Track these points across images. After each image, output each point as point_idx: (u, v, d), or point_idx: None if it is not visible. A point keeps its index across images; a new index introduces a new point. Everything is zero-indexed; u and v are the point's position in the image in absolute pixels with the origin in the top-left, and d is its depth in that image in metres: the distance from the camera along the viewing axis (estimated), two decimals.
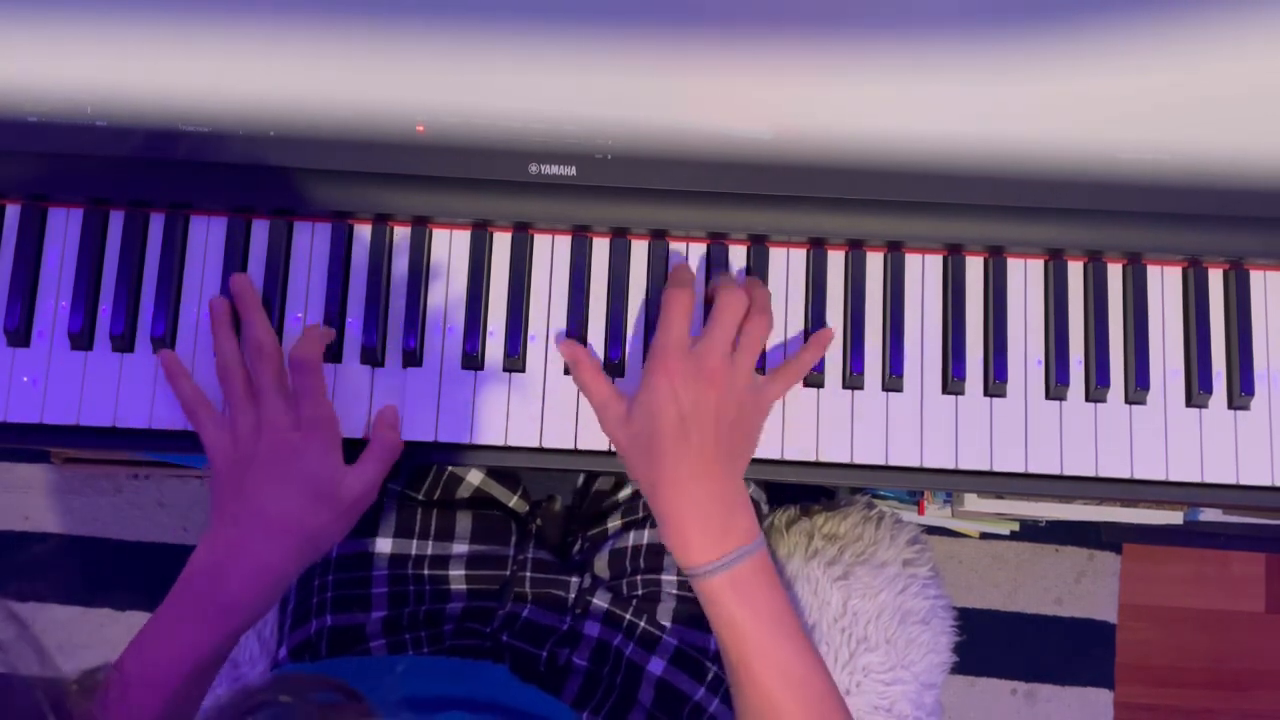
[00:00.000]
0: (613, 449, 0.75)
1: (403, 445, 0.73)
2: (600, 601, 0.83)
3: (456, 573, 0.84)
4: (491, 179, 0.73)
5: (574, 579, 0.84)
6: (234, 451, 0.69)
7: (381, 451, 0.72)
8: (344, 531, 0.71)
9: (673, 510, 0.67)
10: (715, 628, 0.68)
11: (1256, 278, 0.78)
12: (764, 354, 0.75)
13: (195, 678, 0.65)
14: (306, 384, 0.70)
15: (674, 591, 0.85)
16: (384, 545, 0.84)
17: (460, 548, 0.85)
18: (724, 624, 0.67)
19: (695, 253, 0.77)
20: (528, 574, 0.84)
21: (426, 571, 0.84)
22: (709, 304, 0.74)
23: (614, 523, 0.88)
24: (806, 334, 0.76)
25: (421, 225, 0.76)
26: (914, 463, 0.75)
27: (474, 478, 0.89)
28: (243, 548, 0.67)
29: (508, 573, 0.84)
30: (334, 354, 0.75)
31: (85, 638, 1.49)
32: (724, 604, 0.66)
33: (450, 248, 0.77)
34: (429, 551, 0.84)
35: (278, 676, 0.48)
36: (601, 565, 0.86)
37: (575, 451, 0.75)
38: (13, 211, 0.76)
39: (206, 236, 0.76)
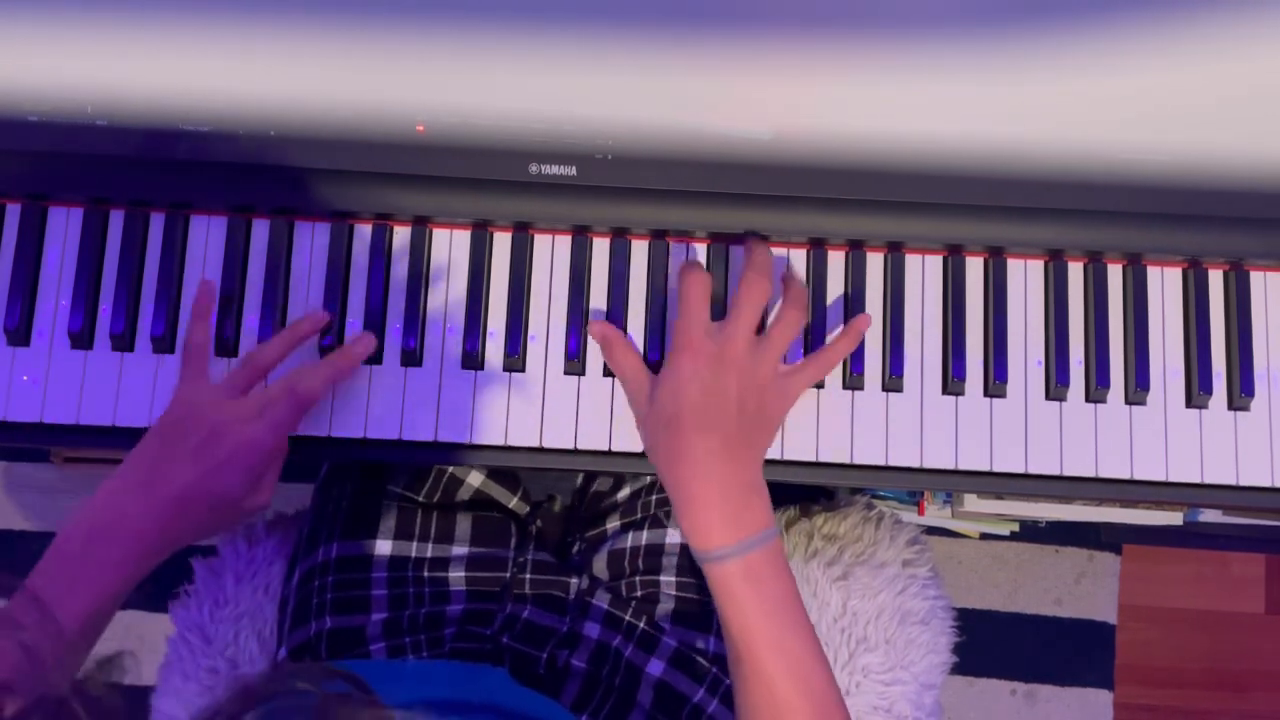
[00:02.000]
0: (612, 449, 0.75)
1: (284, 454, 0.72)
2: (599, 603, 0.83)
3: (456, 575, 0.84)
4: (492, 179, 0.73)
5: (573, 580, 0.84)
6: (176, 416, 0.69)
7: (276, 467, 0.72)
8: (215, 532, 0.72)
9: (690, 489, 0.67)
10: (723, 614, 0.67)
11: (1256, 278, 0.78)
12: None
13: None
14: (280, 412, 0.70)
15: (673, 593, 0.85)
16: (384, 547, 0.84)
17: (460, 550, 0.85)
18: (733, 611, 0.66)
19: (696, 253, 0.77)
20: (528, 575, 0.84)
21: (426, 574, 0.84)
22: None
23: (613, 524, 0.88)
24: (806, 335, 0.76)
25: (421, 225, 0.76)
26: (914, 463, 0.75)
27: (474, 479, 0.89)
28: (129, 505, 0.67)
29: (507, 574, 0.84)
30: None
31: None
32: (734, 591, 0.66)
33: (450, 248, 0.77)
34: (429, 554, 0.84)
35: (295, 666, 0.48)
36: (600, 566, 0.86)
37: (575, 451, 0.75)
38: (13, 211, 0.76)
39: (206, 236, 0.76)
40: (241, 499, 0.69)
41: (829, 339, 0.75)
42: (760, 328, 0.72)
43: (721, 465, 0.67)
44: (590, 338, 0.75)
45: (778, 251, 0.77)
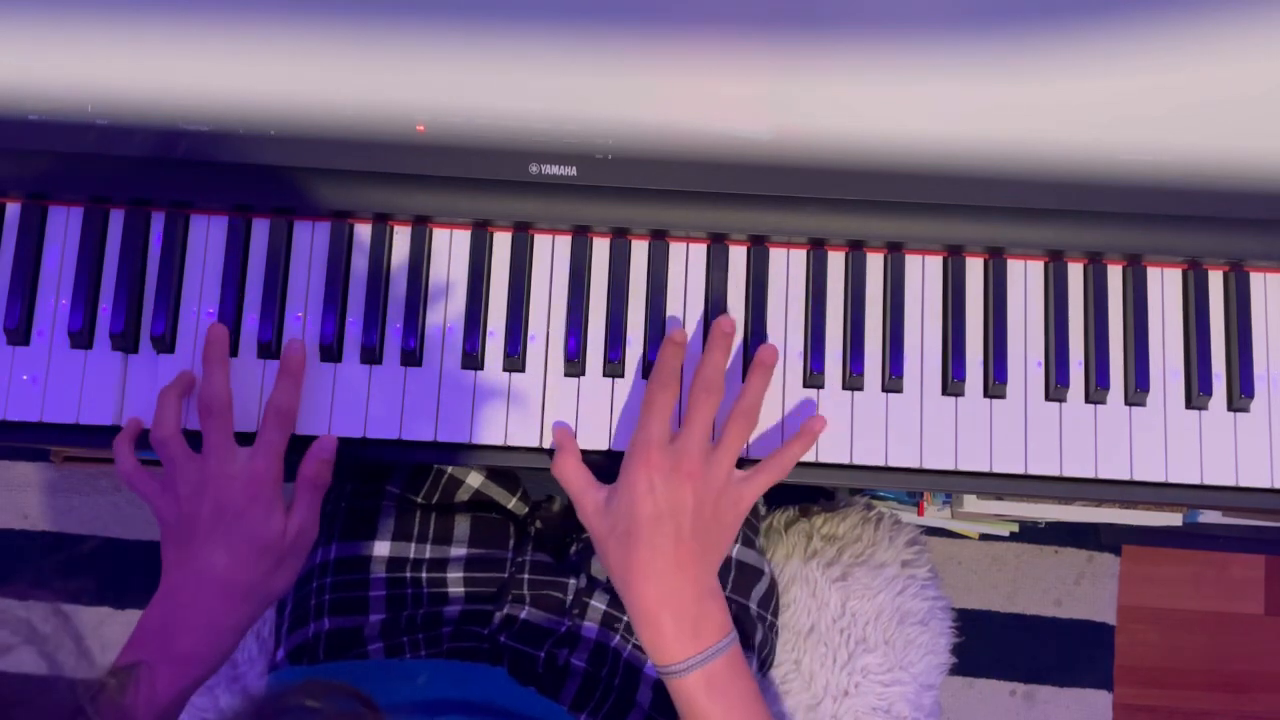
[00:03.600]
0: (611, 449, 0.75)
1: (329, 481, 0.73)
2: (598, 603, 0.83)
3: (455, 575, 0.84)
4: (492, 179, 0.73)
5: (571, 580, 0.84)
6: (177, 509, 0.70)
7: (308, 492, 0.72)
8: (295, 570, 0.73)
9: (646, 604, 0.68)
10: None
11: (1256, 279, 0.78)
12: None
13: None
14: (266, 437, 0.70)
15: None
16: (382, 548, 0.84)
17: (459, 551, 0.85)
18: None
19: (695, 252, 0.77)
20: (526, 576, 0.84)
21: (425, 575, 0.84)
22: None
23: None
24: (806, 335, 0.76)
25: (422, 225, 0.76)
26: (913, 464, 0.75)
27: (473, 480, 0.89)
28: (189, 605, 0.68)
29: (506, 575, 0.84)
30: (334, 354, 0.75)
31: (84, 636, 1.49)
32: (698, 703, 0.67)
33: (450, 248, 0.77)
34: (427, 555, 0.84)
35: (305, 682, 0.48)
36: (599, 566, 0.86)
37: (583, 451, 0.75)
38: (13, 210, 0.76)
39: (207, 235, 0.76)
40: (280, 533, 0.70)
41: (779, 448, 0.73)
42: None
43: (676, 581, 0.67)
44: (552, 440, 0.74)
45: (778, 252, 0.77)
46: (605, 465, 0.74)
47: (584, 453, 0.75)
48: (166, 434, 0.71)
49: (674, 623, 0.67)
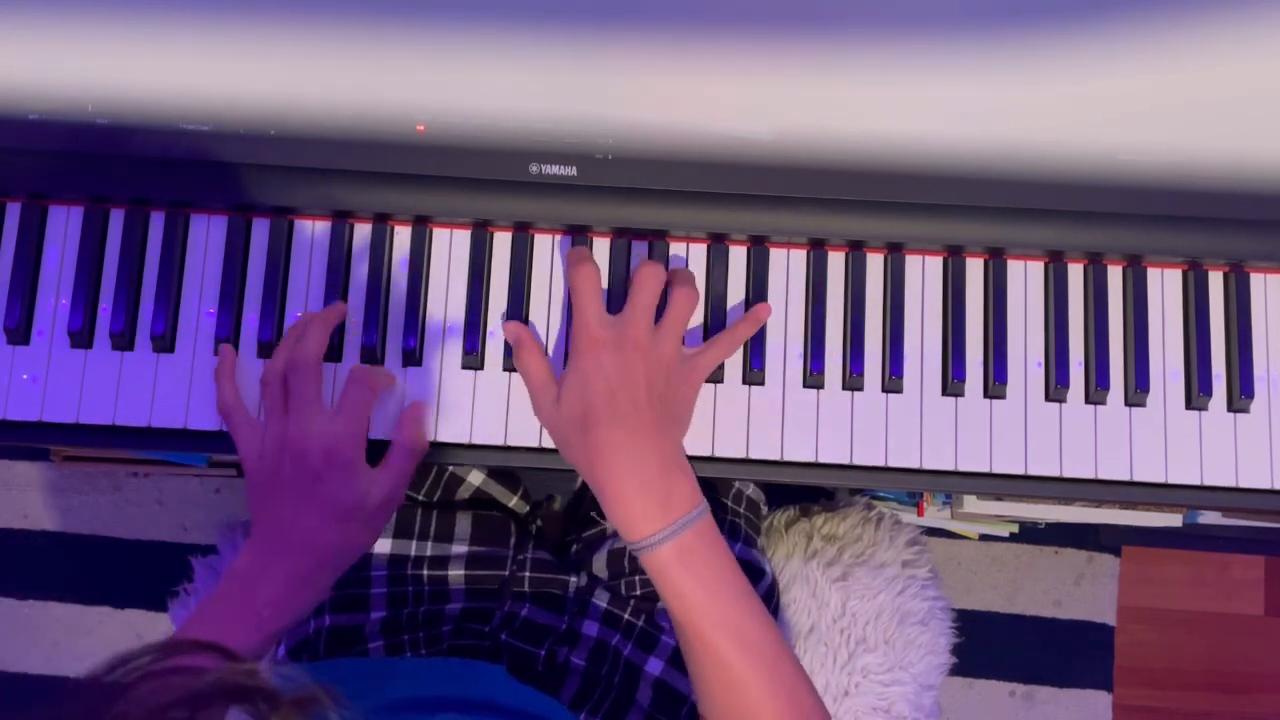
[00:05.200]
0: None
1: (427, 444, 0.73)
2: (598, 601, 0.83)
3: (456, 573, 0.84)
4: (492, 179, 0.73)
5: (572, 578, 0.84)
6: (260, 464, 0.70)
7: (402, 457, 0.72)
8: (375, 534, 0.72)
9: (610, 481, 0.67)
10: (666, 601, 0.67)
11: (1257, 280, 0.78)
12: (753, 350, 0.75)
13: None
14: (349, 398, 0.71)
15: None
16: (383, 546, 0.84)
17: (460, 548, 0.85)
18: (674, 596, 0.66)
19: (695, 253, 0.77)
20: (527, 574, 0.84)
21: (426, 572, 0.84)
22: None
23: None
24: (806, 335, 0.76)
25: (422, 225, 0.76)
26: (913, 464, 0.75)
27: (474, 478, 0.89)
28: (272, 559, 0.68)
29: (507, 572, 0.84)
30: (334, 354, 0.75)
31: (83, 635, 1.49)
32: (672, 575, 0.66)
33: (450, 248, 0.77)
34: (428, 552, 0.84)
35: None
36: (600, 565, 0.86)
37: None
38: (13, 210, 0.76)
39: (207, 235, 0.76)
40: (362, 495, 0.69)
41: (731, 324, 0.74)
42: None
43: (639, 453, 0.67)
44: (504, 336, 0.74)
45: (778, 252, 0.77)
46: None
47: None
48: (276, 374, 0.71)
49: (641, 497, 0.66)
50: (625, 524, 0.67)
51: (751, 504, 0.92)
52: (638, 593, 0.85)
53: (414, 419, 0.72)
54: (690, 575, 0.65)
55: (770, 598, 0.90)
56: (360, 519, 0.70)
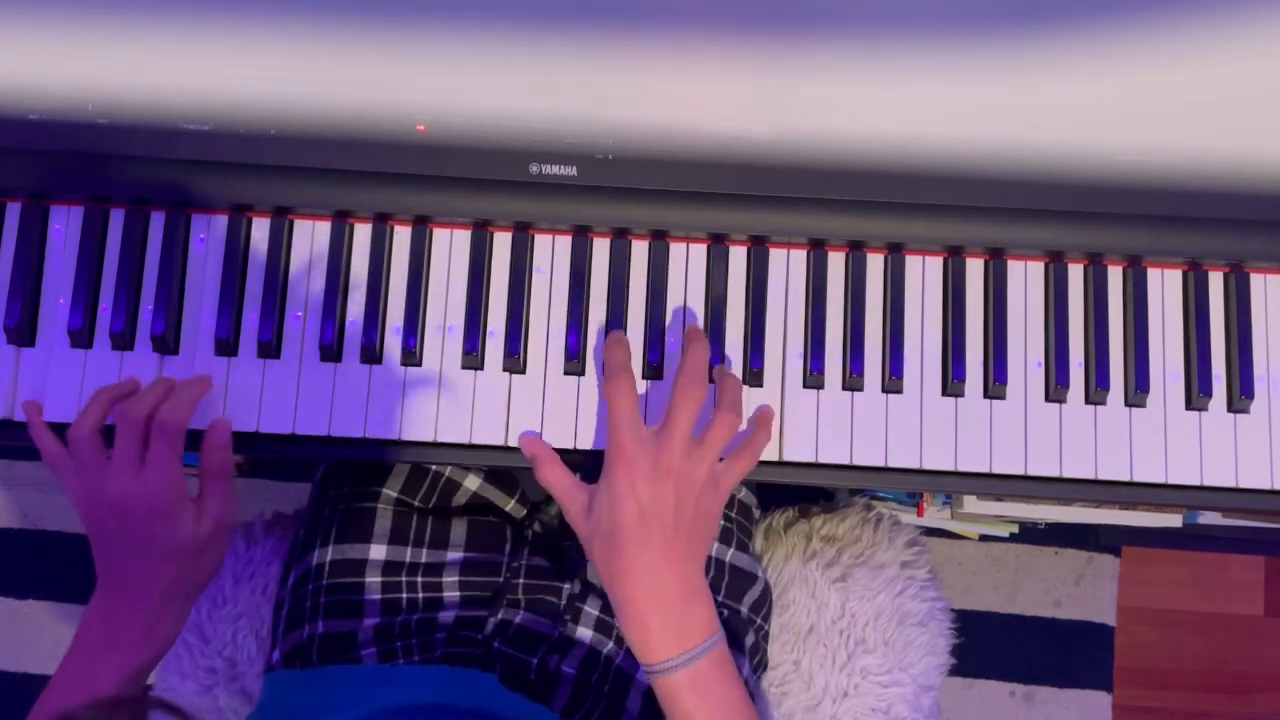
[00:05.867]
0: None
1: (232, 465, 0.73)
2: (591, 609, 0.83)
3: (450, 580, 0.84)
4: (492, 179, 0.73)
5: (566, 586, 0.84)
6: (90, 514, 0.71)
7: (215, 484, 0.73)
8: (219, 557, 0.74)
9: (632, 602, 0.67)
10: None
11: (1257, 280, 0.78)
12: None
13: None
14: (156, 452, 0.70)
15: None
16: (378, 552, 0.84)
17: (454, 555, 0.85)
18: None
19: (695, 252, 0.77)
20: (521, 581, 0.84)
21: (420, 579, 0.84)
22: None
23: None
24: (806, 336, 0.76)
25: (422, 225, 0.76)
26: (913, 464, 0.75)
27: (471, 482, 0.89)
28: (121, 602, 0.71)
29: (501, 579, 0.84)
30: (334, 354, 0.75)
31: None
32: (683, 703, 0.66)
33: (450, 248, 0.77)
34: (423, 559, 0.84)
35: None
36: (594, 572, 0.86)
37: (575, 452, 0.75)
38: (14, 210, 0.76)
39: (207, 235, 0.76)
40: (190, 535, 0.70)
41: (744, 438, 0.73)
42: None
43: (662, 578, 0.67)
44: (523, 451, 0.74)
45: (778, 252, 0.77)
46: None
47: (584, 452, 0.74)
48: (85, 432, 0.70)
49: (660, 621, 0.67)
50: (642, 646, 0.67)
51: (744, 508, 0.92)
52: None
53: (214, 443, 0.73)
54: (702, 705, 0.66)
55: (764, 603, 0.90)
56: (194, 553, 0.71)
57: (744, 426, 0.74)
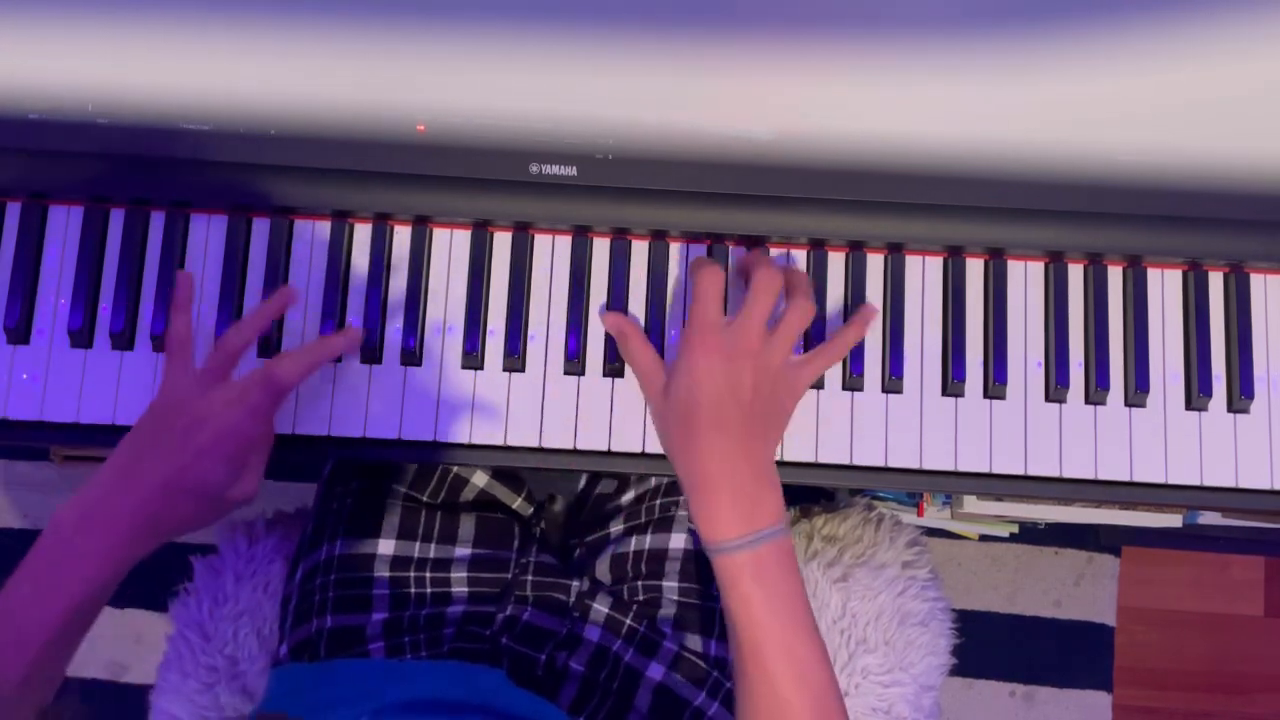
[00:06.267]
0: (611, 449, 0.75)
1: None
2: (601, 606, 0.83)
3: (458, 575, 0.84)
4: (492, 179, 0.73)
5: (574, 583, 0.84)
6: (164, 403, 0.70)
7: (258, 460, 0.72)
8: (201, 523, 0.71)
9: (705, 481, 0.68)
10: (728, 608, 0.67)
11: (1257, 281, 0.78)
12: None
13: (64, 629, 0.66)
14: (255, 397, 0.70)
15: (675, 599, 0.85)
16: (387, 547, 0.84)
17: (463, 551, 0.85)
18: (740, 606, 0.67)
19: (695, 253, 0.77)
20: (529, 577, 0.84)
21: (428, 574, 0.84)
22: (746, 278, 0.74)
23: (616, 527, 0.88)
24: (806, 336, 0.76)
25: (422, 225, 0.76)
26: (913, 464, 0.75)
27: (479, 479, 0.89)
28: (115, 494, 0.67)
29: (509, 576, 0.84)
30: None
31: None
32: (742, 586, 0.66)
33: (450, 247, 0.77)
34: (431, 554, 0.84)
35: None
36: (603, 569, 0.86)
37: (575, 451, 0.75)
38: (13, 209, 0.76)
39: (207, 235, 0.76)
40: (225, 486, 0.69)
41: (834, 331, 0.75)
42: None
43: (735, 459, 0.67)
44: (604, 328, 0.75)
45: (777, 251, 0.77)
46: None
47: (584, 452, 0.75)
48: (234, 349, 0.71)
49: (731, 499, 0.67)
50: (709, 523, 0.67)
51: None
52: (640, 598, 0.85)
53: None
54: (760, 589, 0.66)
55: None
56: (208, 502, 0.69)
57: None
